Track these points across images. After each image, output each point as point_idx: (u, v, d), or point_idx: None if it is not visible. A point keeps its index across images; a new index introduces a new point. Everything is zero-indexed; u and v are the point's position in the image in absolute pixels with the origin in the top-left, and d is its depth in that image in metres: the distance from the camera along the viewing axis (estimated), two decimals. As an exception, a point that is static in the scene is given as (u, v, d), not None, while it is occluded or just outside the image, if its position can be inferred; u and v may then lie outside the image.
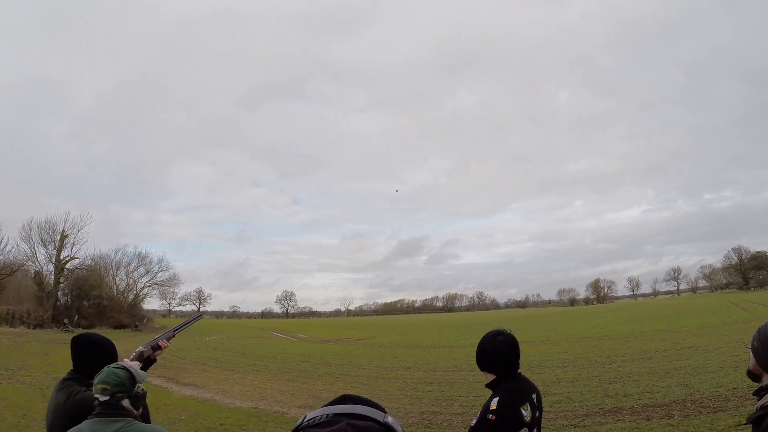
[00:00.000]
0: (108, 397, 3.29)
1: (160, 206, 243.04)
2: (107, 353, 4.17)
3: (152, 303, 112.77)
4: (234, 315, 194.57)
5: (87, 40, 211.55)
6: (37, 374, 22.11)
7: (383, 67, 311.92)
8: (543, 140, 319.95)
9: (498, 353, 3.98)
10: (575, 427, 11.61)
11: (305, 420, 1.50)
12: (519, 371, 4.10)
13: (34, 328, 55.68)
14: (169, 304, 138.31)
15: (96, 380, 3.31)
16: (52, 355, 30.60)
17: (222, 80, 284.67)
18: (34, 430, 12.24)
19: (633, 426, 11.27)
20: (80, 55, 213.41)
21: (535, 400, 3.93)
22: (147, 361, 4.48)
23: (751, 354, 3.21)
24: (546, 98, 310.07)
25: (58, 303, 66.15)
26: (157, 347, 4.61)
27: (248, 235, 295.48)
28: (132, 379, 3.39)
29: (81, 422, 3.57)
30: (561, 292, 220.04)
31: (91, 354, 4.08)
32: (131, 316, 74.35)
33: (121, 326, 67.70)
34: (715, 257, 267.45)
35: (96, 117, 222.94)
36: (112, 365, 3.47)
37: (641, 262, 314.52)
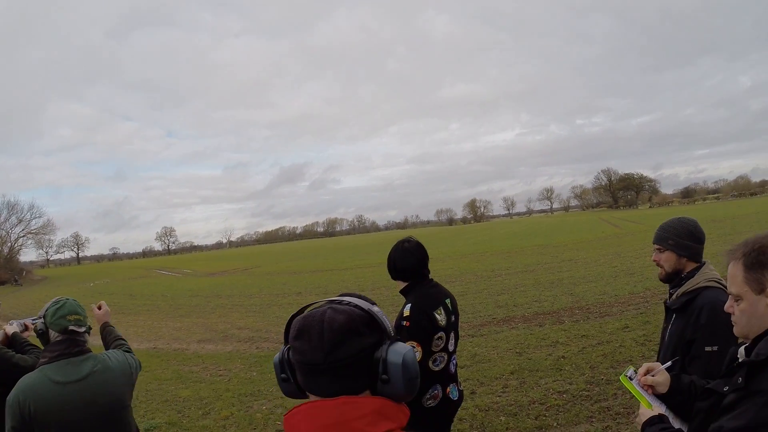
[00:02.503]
0: (84, 328, 3.11)
1: (29, 149, 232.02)
2: None
3: (29, 254, 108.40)
4: (115, 257, 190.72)
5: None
6: None
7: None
8: (419, 65, 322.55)
9: (405, 260, 3.97)
10: (473, 337, 11.84)
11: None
12: (431, 278, 4.09)
13: None
14: (47, 253, 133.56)
15: (61, 312, 3.06)
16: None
17: (90, 8, 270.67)
18: None
19: (527, 332, 11.63)
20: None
21: (449, 305, 3.97)
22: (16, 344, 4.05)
23: (666, 255, 3.27)
24: (423, 24, 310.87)
25: None
26: (25, 328, 4.22)
27: (124, 173, 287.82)
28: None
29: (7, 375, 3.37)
30: (439, 212, 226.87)
31: None
32: (9, 270, 71.03)
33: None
34: (586, 178, 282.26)
35: None
36: (64, 297, 3.24)
37: (516, 182, 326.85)
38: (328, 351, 1.28)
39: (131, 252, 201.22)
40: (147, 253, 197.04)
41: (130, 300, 30.84)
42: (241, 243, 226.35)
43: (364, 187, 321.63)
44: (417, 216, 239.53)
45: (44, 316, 3.12)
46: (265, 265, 52.61)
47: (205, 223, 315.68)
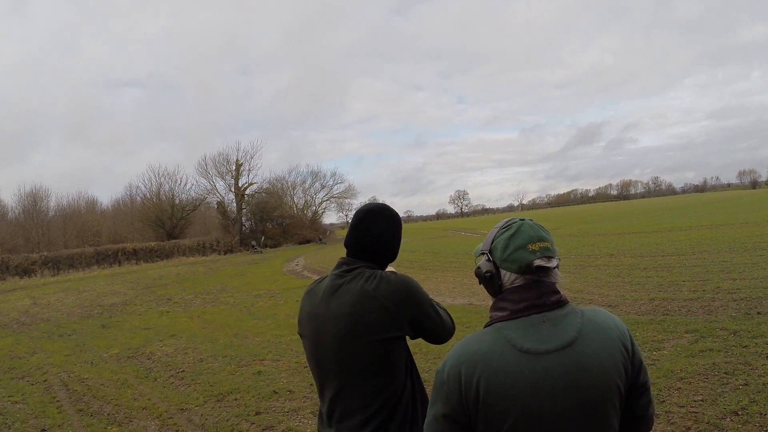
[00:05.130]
0: (556, 261, 1.90)
1: (333, 124, 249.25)
2: (400, 231, 2.84)
3: (330, 217, 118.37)
4: (409, 219, 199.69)
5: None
6: (238, 294, 22.68)
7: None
8: (711, 5, 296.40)
9: None
10: None
11: None
12: None
13: (225, 253, 59.80)
14: (346, 215, 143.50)
15: (518, 241, 1.89)
16: (248, 275, 31.82)
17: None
18: (248, 347, 12.09)
19: None
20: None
21: None
22: None
23: None
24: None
25: (244, 228, 70.42)
26: None
27: (422, 140, 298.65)
28: None
29: (408, 307, 2.42)
30: (742, 174, 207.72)
31: (394, 231, 2.76)
32: (314, 230, 77.59)
33: (306, 241, 71.66)
34: None
35: (279, 53, 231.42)
36: (517, 219, 2.03)
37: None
38: None
39: (425, 215, 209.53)
40: (440, 216, 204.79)
41: (435, 258, 31.20)
42: (533, 206, 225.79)
43: (660, 146, 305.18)
44: (717, 178, 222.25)
45: (491, 251, 2.00)
46: (564, 227, 50.98)
47: (498, 186, 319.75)
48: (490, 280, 1.98)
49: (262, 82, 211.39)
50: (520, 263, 1.88)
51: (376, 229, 2.70)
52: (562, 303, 1.87)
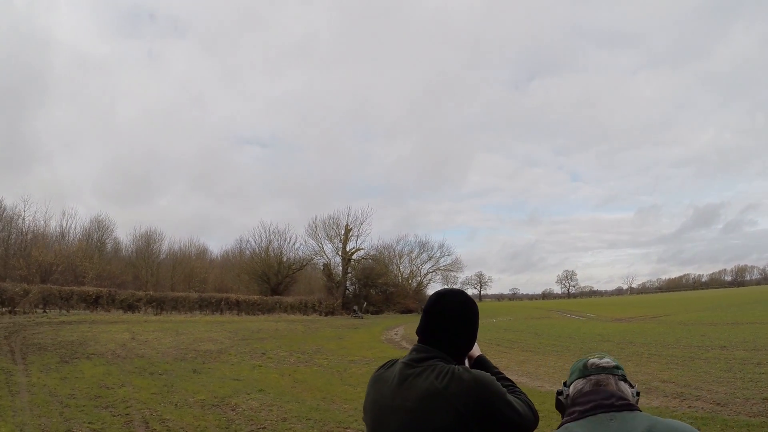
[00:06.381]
0: (613, 363, 2.04)
1: (450, 196, 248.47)
2: (477, 319, 2.65)
3: (435, 288, 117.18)
4: (514, 297, 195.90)
5: (391, 53, 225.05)
6: (333, 357, 22.68)
7: (649, 22, 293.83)
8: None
9: None
10: None
11: None
12: None
13: (326, 315, 60.07)
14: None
15: (581, 360, 2.13)
16: (346, 339, 31.85)
17: (491, 64, 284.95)
18: (334, 413, 11.94)
19: None
20: (388, 68, 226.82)
21: None
22: None
23: None
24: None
25: (347, 292, 70.90)
26: None
27: (535, 218, 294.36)
28: None
29: (480, 409, 2.21)
30: None
31: (469, 317, 2.59)
32: (417, 301, 76.67)
33: (408, 311, 70.94)
34: None
35: (402, 122, 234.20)
36: None
37: None
38: None
39: (530, 293, 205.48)
40: (546, 295, 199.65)
41: (536, 338, 30.52)
42: (642, 290, 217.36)
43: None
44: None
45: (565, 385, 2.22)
46: (674, 313, 49.04)
47: (609, 267, 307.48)
48: (560, 403, 2.19)
49: (383, 150, 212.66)
50: (579, 369, 2.13)
51: (449, 315, 2.55)
52: (631, 408, 1.87)
